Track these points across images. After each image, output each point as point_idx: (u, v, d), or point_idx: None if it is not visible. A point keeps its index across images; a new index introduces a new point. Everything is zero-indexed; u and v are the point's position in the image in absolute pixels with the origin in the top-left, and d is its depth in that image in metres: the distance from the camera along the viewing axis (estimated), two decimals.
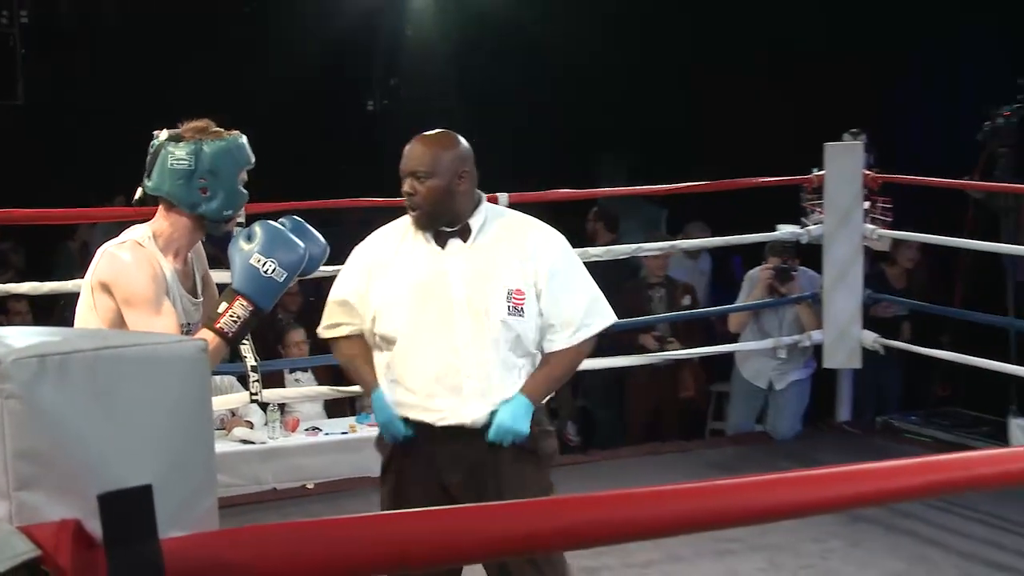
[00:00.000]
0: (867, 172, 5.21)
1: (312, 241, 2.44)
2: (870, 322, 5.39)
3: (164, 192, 2.37)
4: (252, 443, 4.67)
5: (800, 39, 7.22)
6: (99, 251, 2.39)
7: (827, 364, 5.37)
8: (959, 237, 5.34)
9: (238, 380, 4.64)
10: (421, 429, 2.61)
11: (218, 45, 8.18)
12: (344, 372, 2.82)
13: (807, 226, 5.31)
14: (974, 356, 4.97)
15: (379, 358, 2.66)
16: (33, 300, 5.58)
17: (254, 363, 4.33)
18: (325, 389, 4.89)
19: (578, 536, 1.18)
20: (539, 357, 2.63)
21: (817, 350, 5.39)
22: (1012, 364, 4.93)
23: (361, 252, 2.74)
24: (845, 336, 5.28)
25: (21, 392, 1.04)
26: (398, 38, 9.43)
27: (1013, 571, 3.75)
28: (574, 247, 2.82)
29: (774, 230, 5.41)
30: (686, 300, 5.89)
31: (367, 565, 1.07)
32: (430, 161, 2.55)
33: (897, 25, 6.91)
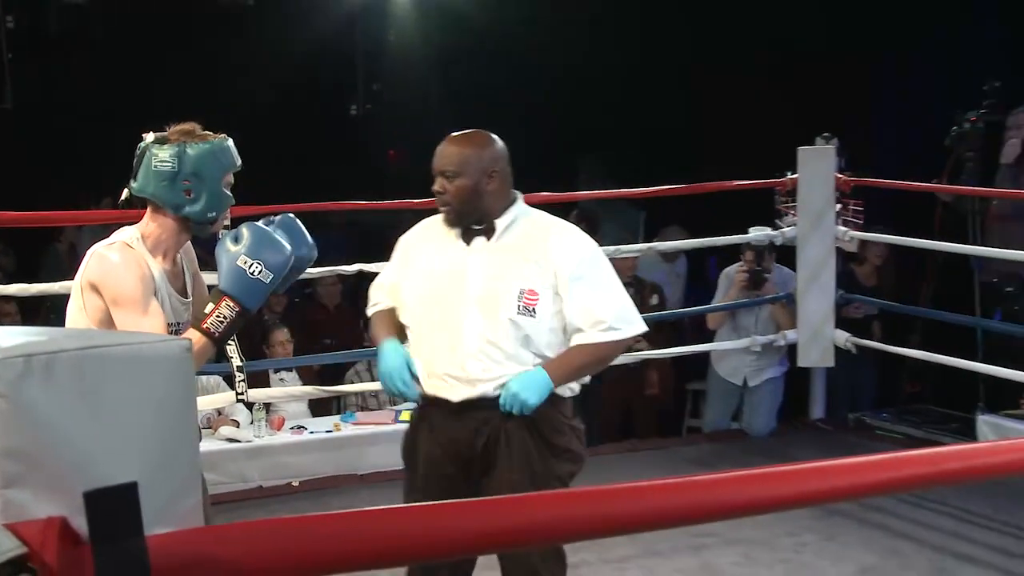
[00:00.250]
0: (839, 175, 5.24)
1: (301, 241, 2.43)
2: (842, 322, 5.41)
3: (149, 193, 2.36)
4: (238, 441, 4.66)
5: (777, 43, 7.25)
6: (88, 252, 2.38)
7: (801, 363, 5.39)
8: (929, 236, 5.38)
9: (224, 380, 4.63)
10: (437, 404, 2.63)
11: (203, 49, 8.14)
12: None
13: (781, 228, 5.34)
14: (943, 355, 5.00)
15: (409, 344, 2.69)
16: (22, 301, 5.54)
17: (240, 363, 4.31)
18: (310, 389, 4.89)
19: (557, 531, 1.18)
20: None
21: (791, 349, 5.42)
22: (979, 362, 4.96)
23: (403, 241, 2.77)
24: (818, 335, 5.30)
25: (7, 391, 1.04)
26: (380, 44, 9.42)
27: (980, 562, 3.77)
28: None
29: (747, 231, 5.44)
30: (654, 300, 5.92)
31: (352, 560, 1.07)
32: (459, 160, 2.55)
33: (871, 30, 6.96)
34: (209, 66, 7.92)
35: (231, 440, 4.64)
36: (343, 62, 9.40)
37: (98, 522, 0.97)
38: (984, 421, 4.94)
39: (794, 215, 5.31)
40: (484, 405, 2.56)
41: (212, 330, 2.26)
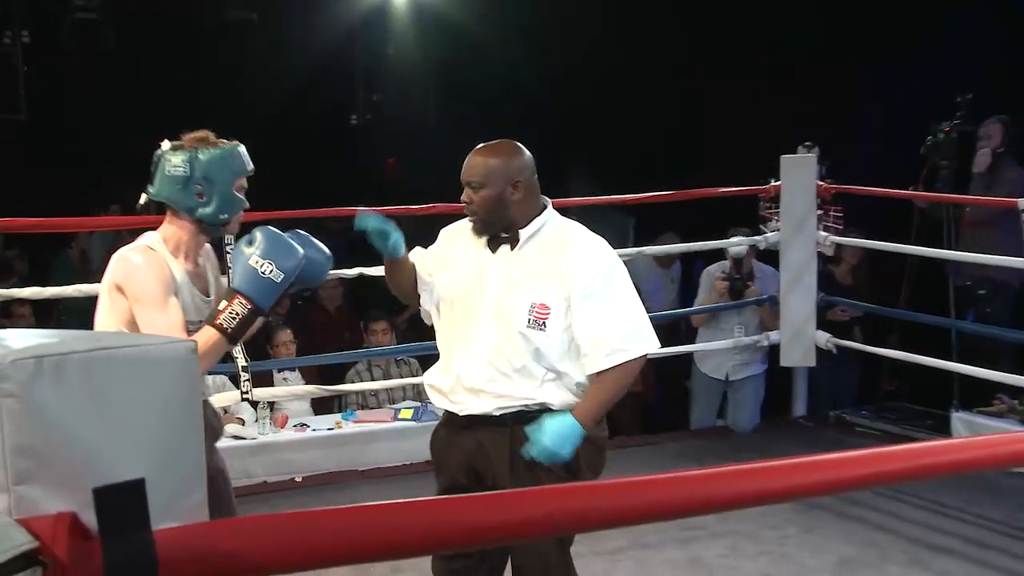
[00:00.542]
0: (820, 183, 5.25)
1: (316, 251, 2.46)
2: (825, 323, 5.42)
3: (164, 197, 2.40)
4: (243, 439, 4.65)
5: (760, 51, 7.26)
6: (114, 256, 2.42)
7: (784, 362, 5.40)
8: (906, 239, 5.40)
9: (230, 379, 4.62)
10: (450, 418, 2.59)
11: (210, 62, 8.15)
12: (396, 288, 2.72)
13: (765, 233, 5.35)
14: (920, 355, 5.01)
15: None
16: (35, 304, 5.54)
17: (245, 363, 4.32)
18: (312, 388, 4.88)
19: (552, 525, 1.18)
20: (569, 372, 2.49)
21: (772, 349, 5.42)
22: (954, 362, 4.97)
23: (444, 233, 2.69)
24: (800, 336, 5.31)
25: (19, 391, 1.03)
26: (380, 57, 9.42)
27: (954, 553, 3.77)
28: None
29: (726, 236, 5.45)
30: None
31: (353, 554, 1.06)
32: (483, 171, 2.49)
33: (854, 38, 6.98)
34: (216, 78, 7.93)
35: (236, 437, 4.63)
36: (344, 74, 9.41)
37: (107, 517, 0.96)
38: (958, 418, 4.95)
39: (777, 220, 5.33)
40: (491, 423, 2.50)
41: (225, 326, 2.28)
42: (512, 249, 2.53)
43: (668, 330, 5.93)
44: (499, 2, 8.18)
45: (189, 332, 2.33)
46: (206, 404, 2.59)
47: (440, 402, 2.60)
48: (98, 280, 5.24)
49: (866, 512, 4.10)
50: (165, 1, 8.29)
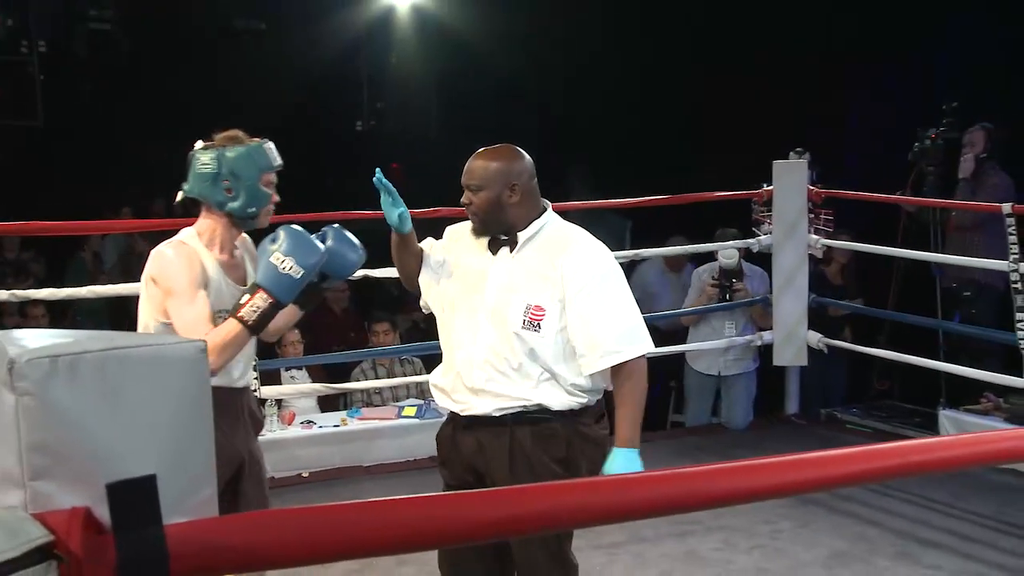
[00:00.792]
0: (811, 187, 5.25)
1: (349, 247, 2.55)
2: (816, 322, 5.42)
3: (196, 193, 2.47)
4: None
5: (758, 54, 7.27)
6: (152, 251, 2.48)
7: (777, 362, 5.40)
8: (894, 241, 5.40)
9: None
10: (453, 417, 2.59)
11: (220, 70, 8.15)
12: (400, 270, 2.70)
13: (758, 236, 5.36)
14: (908, 354, 5.01)
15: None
16: (50, 304, 5.54)
17: (253, 362, 4.32)
18: (319, 386, 4.88)
19: (552, 520, 1.17)
20: (563, 373, 2.46)
21: (763, 347, 5.43)
22: (941, 361, 4.97)
23: (450, 230, 2.68)
24: (792, 336, 5.31)
25: (35, 390, 1.03)
26: (384, 65, 9.44)
27: (942, 547, 3.77)
28: None
29: (714, 237, 5.46)
30: None
31: (359, 548, 1.06)
32: (482, 174, 2.50)
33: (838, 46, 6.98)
34: (225, 85, 7.92)
35: None
36: (349, 82, 9.42)
37: (119, 512, 0.96)
38: (945, 416, 4.95)
39: (770, 224, 5.34)
40: (490, 423, 2.49)
41: (246, 318, 2.33)
42: (511, 251, 2.52)
43: (671, 330, 5.95)
44: (499, 11, 8.18)
45: (220, 319, 2.37)
46: (250, 395, 2.62)
47: (443, 402, 2.59)
48: (110, 282, 5.25)
49: (857, 507, 4.10)
50: (176, 11, 8.29)
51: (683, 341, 5.60)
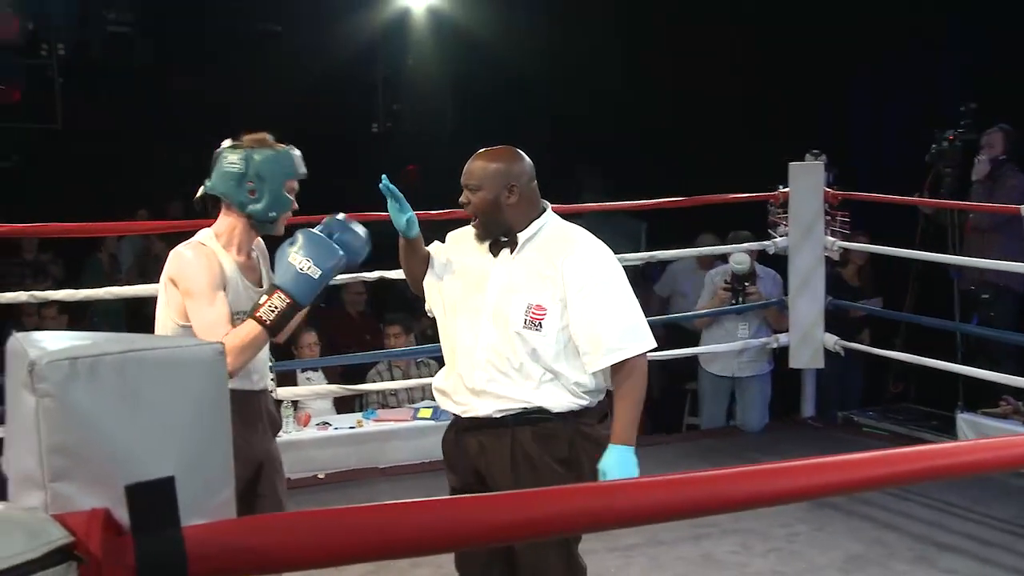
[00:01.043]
0: (827, 189, 5.23)
1: (352, 234, 2.50)
2: (833, 324, 5.40)
3: (219, 191, 2.48)
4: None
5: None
6: (171, 252, 2.48)
7: (793, 364, 5.38)
8: (911, 243, 5.37)
9: None
10: (456, 420, 2.59)
11: (237, 72, 8.19)
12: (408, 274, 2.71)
13: (774, 238, 5.34)
14: (925, 357, 4.98)
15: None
16: (67, 306, 5.57)
17: (270, 363, 4.33)
18: (334, 387, 4.89)
19: (568, 524, 1.17)
20: (565, 372, 2.46)
21: (778, 350, 5.41)
22: (958, 364, 4.94)
23: (451, 235, 2.69)
24: (809, 339, 5.29)
25: (55, 391, 1.04)
26: (400, 68, 9.46)
27: (959, 551, 3.74)
28: None
29: (727, 240, 5.44)
30: None
31: (376, 551, 1.06)
32: (479, 174, 2.51)
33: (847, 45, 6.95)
34: (241, 87, 7.96)
35: None
36: (365, 84, 9.44)
37: (138, 514, 0.96)
38: (963, 419, 4.91)
39: (786, 226, 5.31)
40: (491, 425, 2.50)
41: (264, 319, 2.34)
42: (512, 252, 2.53)
43: (685, 331, 5.94)
44: (515, 14, 8.18)
45: (239, 320, 2.38)
46: (268, 397, 2.63)
47: (445, 404, 2.60)
48: (126, 283, 5.27)
49: (874, 511, 4.08)
50: (193, 14, 8.33)
51: (697, 343, 5.59)
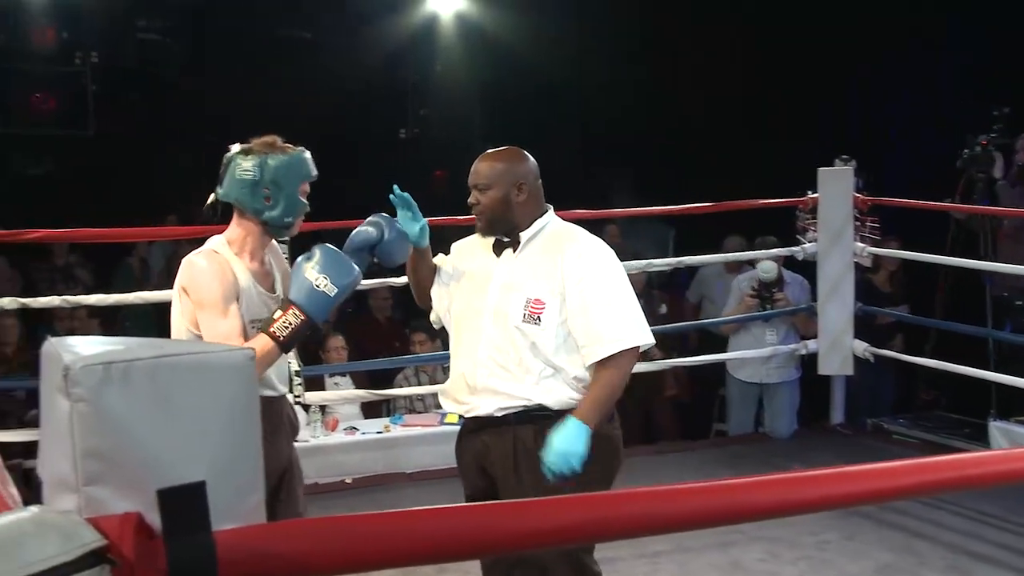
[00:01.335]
0: (857, 194, 5.19)
1: (395, 231, 2.52)
2: (863, 331, 5.35)
3: (232, 199, 2.43)
4: (295, 441, 4.67)
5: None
6: (183, 260, 2.46)
7: (822, 371, 5.34)
8: (942, 247, 5.32)
9: None
10: (462, 424, 2.64)
11: (267, 78, 8.24)
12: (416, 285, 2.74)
13: (802, 243, 5.31)
14: (957, 364, 4.93)
15: None
16: (99, 310, 5.62)
17: (298, 368, 4.36)
18: (362, 392, 4.90)
19: (595, 531, 1.17)
20: (565, 367, 2.50)
21: (807, 357, 5.37)
22: (991, 371, 4.88)
23: (455, 246, 2.74)
24: (838, 345, 5.25)
25: (89, 396, 1.05)
26: (428, 73, 9.48)
27: (994, 561, 3.70)
28: None
29: (754, 246, 5.42)
30: (663, 309, 5.93)
31: (404, 557, 1.06)
32: (489, 174, 2.55)
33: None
34: (271, 94, 8.00)
35: None
36: (394, 90, 9.47)
37: (170, 518, 0.97)
38: (996, 427, 4.86)
39: (815, 231, 5.28)
40: (493, 423, 2.53)
41: (278, 334, 2.31)
42: (514, 252, 2.57)
43: (714, 336, 5.91)
44: (543, 19, 8.18)
45: (252, 329, 2.36)
46: (286, 402, 2.62)
47: (448, 406, 2.66)
48: (157, 288, 5.33)
49: (906, 519, 4.03)
50: (223, 21, 8.41)
51: (724, 349, 5.57)
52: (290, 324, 2.30)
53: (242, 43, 8.37)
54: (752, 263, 5.57)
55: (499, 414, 2.52)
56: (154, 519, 0.98)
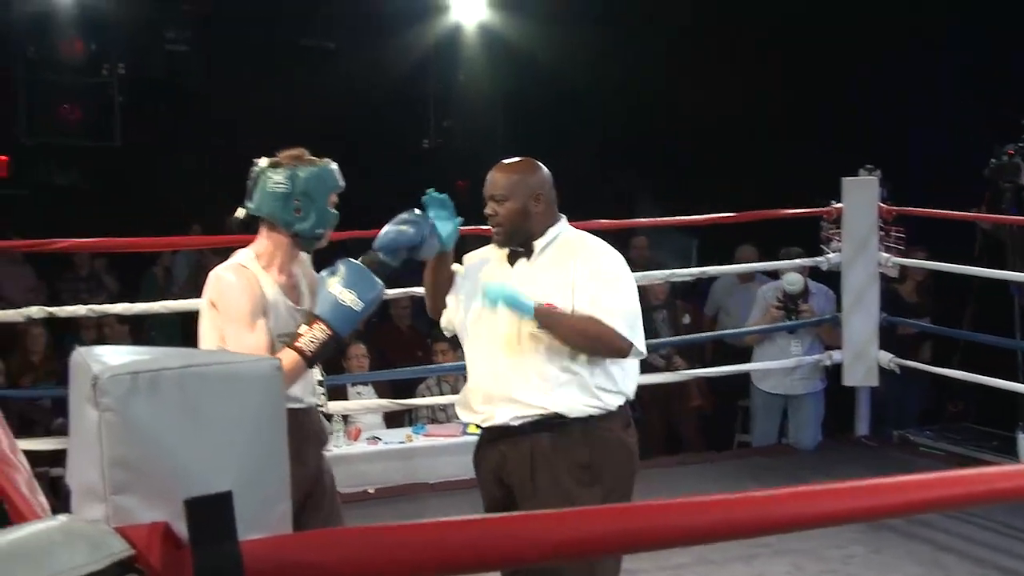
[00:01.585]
0: (882, 204, 5.16)
1: (432, 230, 2.55)
2: (889, 341, 5.31)
3: (264, 212, 2.44)
4: None
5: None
6: (211, 273, 2.46)
7: (846, 382, 5.30)
8: (969, 257, 5.27)
9: None
10: (480, 435, 2.65)
11: (291, 89, 8.30)
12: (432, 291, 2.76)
13: (827, 254, 5.28)
14: (985, 375, 4.88)
15: None
16: (125, 319, 5.68)
17: (320, 378, 4.37)
18: (384, 402, 4.91)
19: (618, 543, 1.17)
20: (583, 372, 2.50)
21: (831, 368, 5.33)
22: (1020, 383, 4.83)
23: (467, 258, 2.77)
24: (863, 356, 5.22)
25: (117, 406, 1.06)
26: (451, 84, 9.52)
27: None
28: None
29: (779, 256, 5.39)
30: (686, 319, 5.90)
31: (430, 567, 1.06)
32: (506, 184, 2.57)
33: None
34: (295, 104, 8.06)
35: None
36: (417, 100, 9.51)
37: (197, 527, 0.98)
38: None
39: (839, 241, 5.25)
40: (510, 433, 2.53)
41: (304, 349, 2.31)
42: (528, 260, 2.60)
43: (733, 348, 5.88)
44: (566, 30, 8.20)
45: (280, 344, 2.37)
46: (314, 413, 2.62)
47: (465, 416, 2.66)
48: (181, 297, 5.37)
49: (933, 533, 3.99)
50: (248, 32, 8.48)
51: (748, 360, 5.54)
52: (317, 339, 2.31)
53: (267, 54, 8.44)
54: (773, 274, 5.54)
55: (516, 423, 2.52)
56: (181, 528, 0.99)
